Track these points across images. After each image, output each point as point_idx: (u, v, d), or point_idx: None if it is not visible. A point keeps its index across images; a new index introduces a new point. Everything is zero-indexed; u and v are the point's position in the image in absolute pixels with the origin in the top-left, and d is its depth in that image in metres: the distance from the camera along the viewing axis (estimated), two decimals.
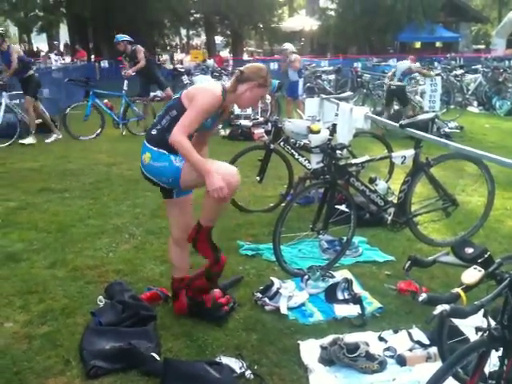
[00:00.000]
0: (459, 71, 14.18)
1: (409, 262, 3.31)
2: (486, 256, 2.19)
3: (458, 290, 1.90)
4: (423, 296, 1.85)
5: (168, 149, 2.97)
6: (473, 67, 15.67)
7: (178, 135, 2.86)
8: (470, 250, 2.24)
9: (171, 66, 18.32)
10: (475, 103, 14.18)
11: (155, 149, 3.01)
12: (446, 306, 1.76)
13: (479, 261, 2.16)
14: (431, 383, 1.92)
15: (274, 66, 17.67)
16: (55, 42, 25.45)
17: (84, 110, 9.59)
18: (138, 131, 9.79)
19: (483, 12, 38.97)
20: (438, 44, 31.25)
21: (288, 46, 11.19)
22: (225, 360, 2.80)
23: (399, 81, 10.13)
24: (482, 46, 34.93)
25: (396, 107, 10.74)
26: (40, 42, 38.62)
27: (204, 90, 3.01)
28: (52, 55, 19.60)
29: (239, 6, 26.12)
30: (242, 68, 3.19)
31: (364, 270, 4.03)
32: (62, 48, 30.54)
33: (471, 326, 2.03)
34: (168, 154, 2.98)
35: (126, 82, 10.00)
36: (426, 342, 2.99)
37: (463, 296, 1.87)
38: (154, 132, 3.05)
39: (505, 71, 13.85)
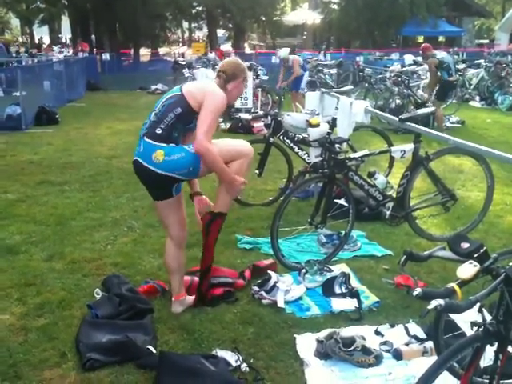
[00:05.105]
0: (462, 66, 14.12)
1: (404, 256, 3.30)
2: (481, 251, 2.17)
3: (453, 284, 1.89)
4: (418, 291, 1.84)
5: (177, 144, 2.99)
6: (475, 62, 15.60)
7: (205, 143, 2.87)
8: (465, 245, 2.23)
9: None
10: (477, 98, 14.12)
11: (165, 145, 2.95)
12: (441, 301, 1.75)
13: (475, 256, 2.15)
14: (426, 377, 1.92)
15: (275, 60, 17.57)
16: (59, 35, 25.46)
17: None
18: None
19: (486, 6, 38.80)
20: (440, 38, 31.13)
21: (281, 52, 10.97)
22: (221, 353, 2.80)
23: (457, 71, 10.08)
24: (486, 41, 34.73)
25: (398, 101, 10.71)
26: (41, 34, 38.59)
27: (214, 93, 3.00)
28: (55, 48, 19.54)
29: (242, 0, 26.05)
30: (221, 69, 3.21)
31: (362, 265, 4.03)
32: (67, 41, 30.52)
33: (468, 321, 2.02)
34: (180, 146, 2.98)
35: None
36: (423, 336, 2.99)
37: (458, 291, 1.86)
38: (158, 131, 2.97)
39: (507, 66, 13.76)
